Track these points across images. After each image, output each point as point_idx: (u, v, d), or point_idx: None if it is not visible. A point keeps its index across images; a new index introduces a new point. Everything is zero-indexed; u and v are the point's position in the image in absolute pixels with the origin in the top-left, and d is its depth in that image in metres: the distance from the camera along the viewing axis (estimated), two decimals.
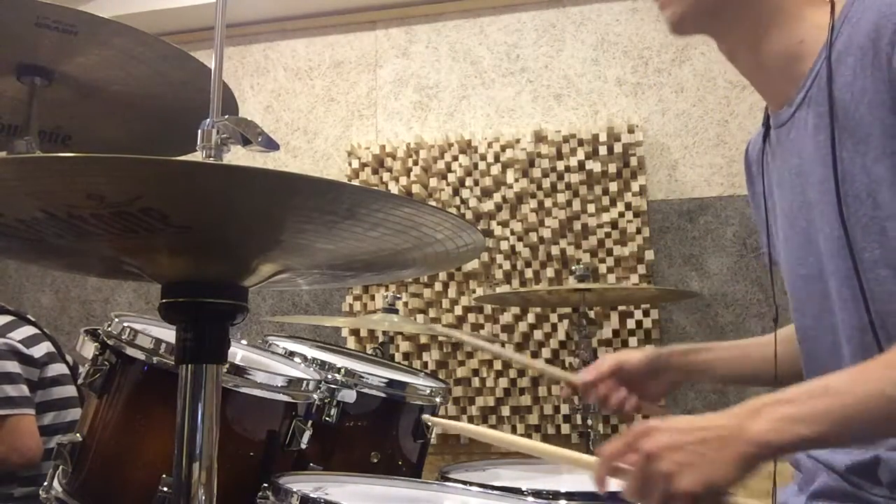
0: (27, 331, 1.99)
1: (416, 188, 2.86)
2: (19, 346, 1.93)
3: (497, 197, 2.81)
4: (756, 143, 1.11)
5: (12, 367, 1.89)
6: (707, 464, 0.70)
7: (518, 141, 2.82)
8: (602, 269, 2.69)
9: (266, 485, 0.98)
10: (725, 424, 0.72)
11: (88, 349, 1.15)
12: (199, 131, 0.81)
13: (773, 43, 0.92)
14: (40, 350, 1.97)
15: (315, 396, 1.19)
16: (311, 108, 3.18)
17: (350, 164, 2.99)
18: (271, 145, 0.82)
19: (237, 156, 0.83)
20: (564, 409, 2.67)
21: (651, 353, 1.20)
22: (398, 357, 2.75)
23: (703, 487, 0.69)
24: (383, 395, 1.35)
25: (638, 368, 1.17)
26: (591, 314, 2.57)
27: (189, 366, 0.74)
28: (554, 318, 2.70)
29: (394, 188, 2.88)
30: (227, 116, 0.81)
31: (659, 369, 1.17)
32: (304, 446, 1.15)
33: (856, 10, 0.84)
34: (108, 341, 1.13)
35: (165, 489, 1.00)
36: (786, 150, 0.96)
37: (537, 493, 1.12)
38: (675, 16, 0.94)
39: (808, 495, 0.94)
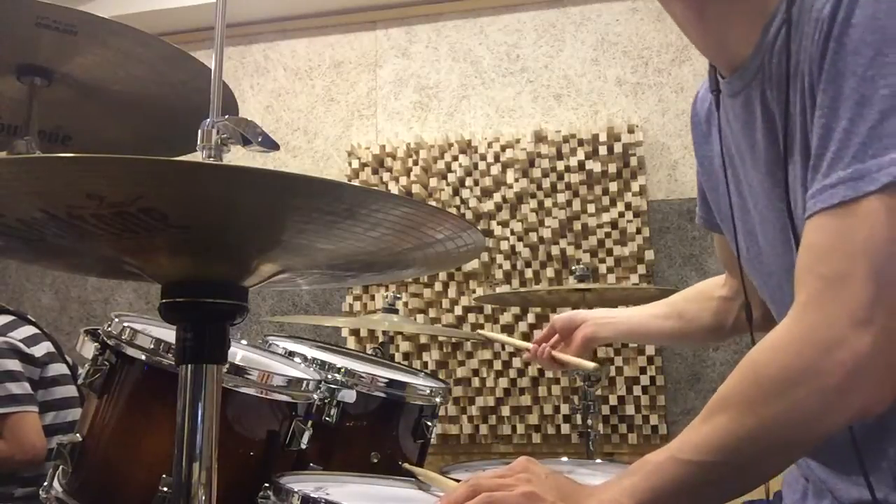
0: (27, 330, 1.99)
1: (416, 188, 2.87)
2: (20, 345, 1.94)
3: (497, 197, 2.81)
4: (704, 99, 1.05)
5: (14, 365, 1.90)
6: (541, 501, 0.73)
7: (518, 141, 2.82)
8: (602, 269, 2.69)
9: (267, 485, 0.98)
10: (578, 487, 0.76)
11: (88, 349, 1.15)
12: (199, 131, 0.80)
13: None
14: (41, 349, 1.98)
15: (315, 396, 1.19)
16: (311, 108, 3.18)
17: (350, 164, 2.99)
18: (271, 145, 0.82)
19: (237, 156, 0.83)
20: (565, 408, 2.67)
21: (578, 310, 1.50)
22: (398, 357, 2.76)
23: None
24: (383, 395, 1.35)
25: (562, 320, 1.46)
26: None
27: (189, 366, 0.74)
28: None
29: (394, 188, 2.88)
30: (227, 116, 0.81)
31: (578, 321, 1.44)
32: (304, 446, 1.15)
33: None
34: (108, 341, 1.13)
35: (165, 489, 1.00)
36: (740, 123, 0.89)
37: None
38: None
39: None
